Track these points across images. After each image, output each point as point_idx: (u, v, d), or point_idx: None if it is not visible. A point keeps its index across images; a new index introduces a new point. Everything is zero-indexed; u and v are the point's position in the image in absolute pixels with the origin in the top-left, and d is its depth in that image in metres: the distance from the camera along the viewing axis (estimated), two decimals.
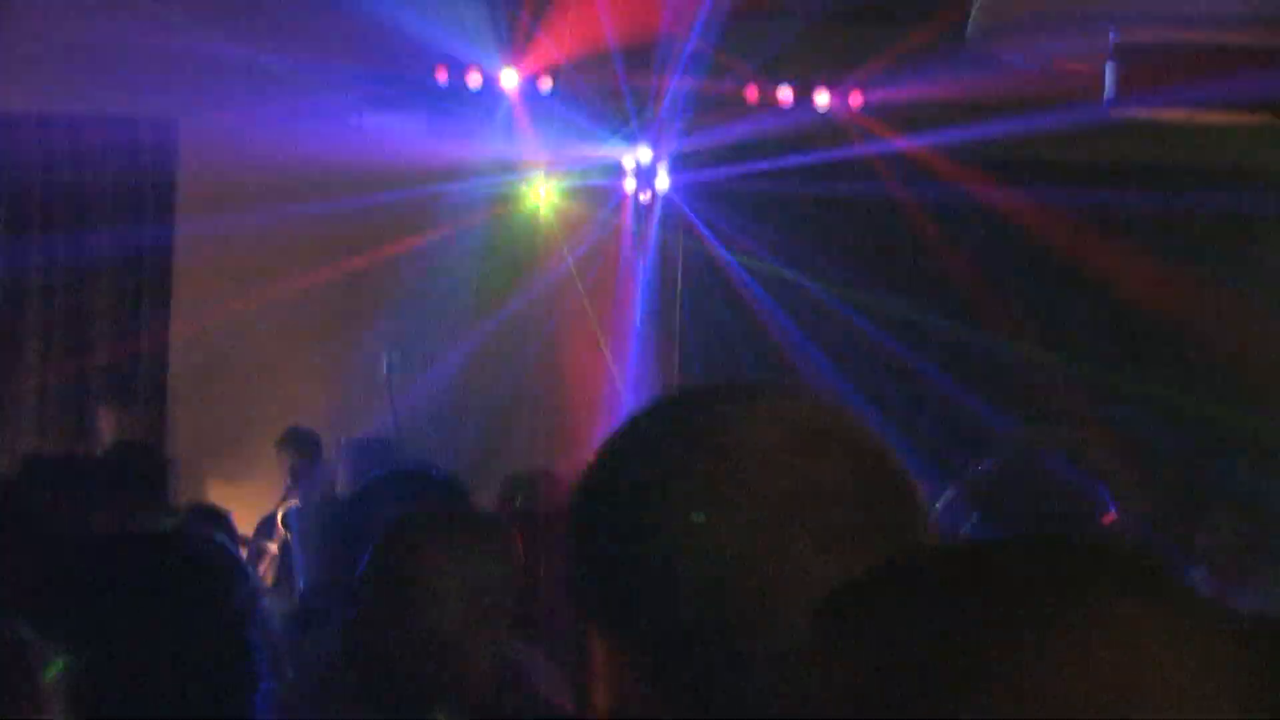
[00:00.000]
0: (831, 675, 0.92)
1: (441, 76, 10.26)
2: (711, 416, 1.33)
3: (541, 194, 10.67)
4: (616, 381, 10.59)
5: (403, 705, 3.04)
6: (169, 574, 2.42)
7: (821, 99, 10.21)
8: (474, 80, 10.31)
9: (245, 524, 7.84)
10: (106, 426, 10.25)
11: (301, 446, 9.57)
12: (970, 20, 5.57)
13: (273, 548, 8.70)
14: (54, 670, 1.89)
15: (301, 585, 5.84)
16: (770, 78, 10.13)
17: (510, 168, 10.61)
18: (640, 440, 1.36)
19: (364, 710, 3.56)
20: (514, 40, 10.20)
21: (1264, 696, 0.92)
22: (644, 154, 10.38)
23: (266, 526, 9.23)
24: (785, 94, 10.19)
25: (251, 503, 9.00)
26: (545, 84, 10.30)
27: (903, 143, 10.13)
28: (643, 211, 10.58)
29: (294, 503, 9.00)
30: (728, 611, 1.27)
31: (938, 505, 7.58)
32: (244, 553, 7.92)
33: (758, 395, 1.36)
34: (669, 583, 1.28)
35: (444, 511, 3.24)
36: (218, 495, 9.09)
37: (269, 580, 8.07)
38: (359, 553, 3.76)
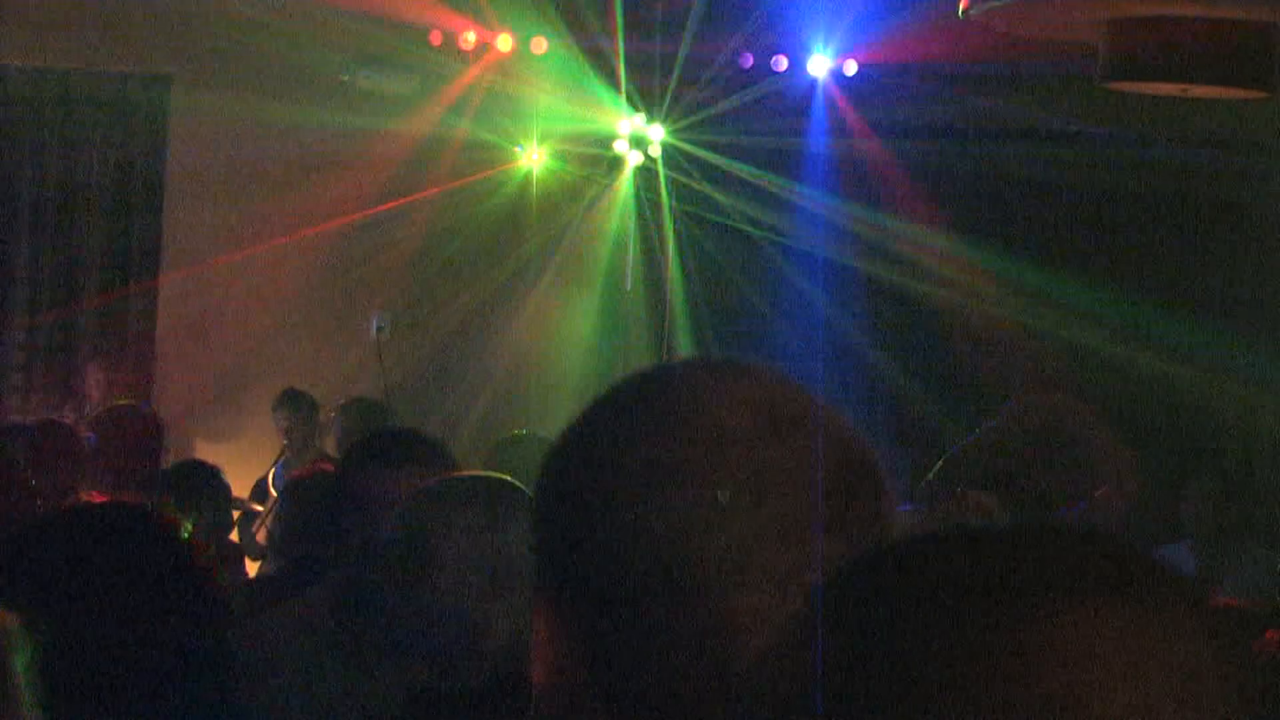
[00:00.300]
0: (792, 669, 0.90)
1: (435, 38, 10.23)
2: (679, 395, 1.32)
3: (535, 158, 10.65)
4: (609, 347, 10.59)
5: (412, 673, 3.04)
6: (118, 548, 2.41)
7: (816, 66, 10.21)
8: (468, 42, 10.28)
9: (236, 487, 7.84)
10: (94, 386, 10.24)
11: (296, 408, 9.58)
12: None
13: (256, 508, 8.73)
14: (23, 657, 1.88)
15: (280, 545, 5.85)
16: (765, 44, 10.11)
17: (504, 131, 10.58)
18: (608, 416, 1.35)
19: (355, 676, 3.56)
20: (510, 2, 10.16)
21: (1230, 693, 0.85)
22: (639, 118, 10.36)
23: (260, 489, 9.26)
24: (780, 61, 10.18)
25: (239, 464, 9.00)
26: (540, 46, 10.27)
27: (895, 109, 10.13)
28: (637, 175, 10.56)
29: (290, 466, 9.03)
30: (672, 591, 1.26)
31: (929, 475, 7.63)
32: (235, 514, 7.94)
33: (728, 375, 1.34)
34: (617, 557, 1.27)
35: (467, 479, 3.22)
36: (205, 455, 9.09)
37: (261, 540, 8.08)
38: (340, 515, 3.75)
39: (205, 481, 6.62)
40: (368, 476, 3.69)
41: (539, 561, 1.35)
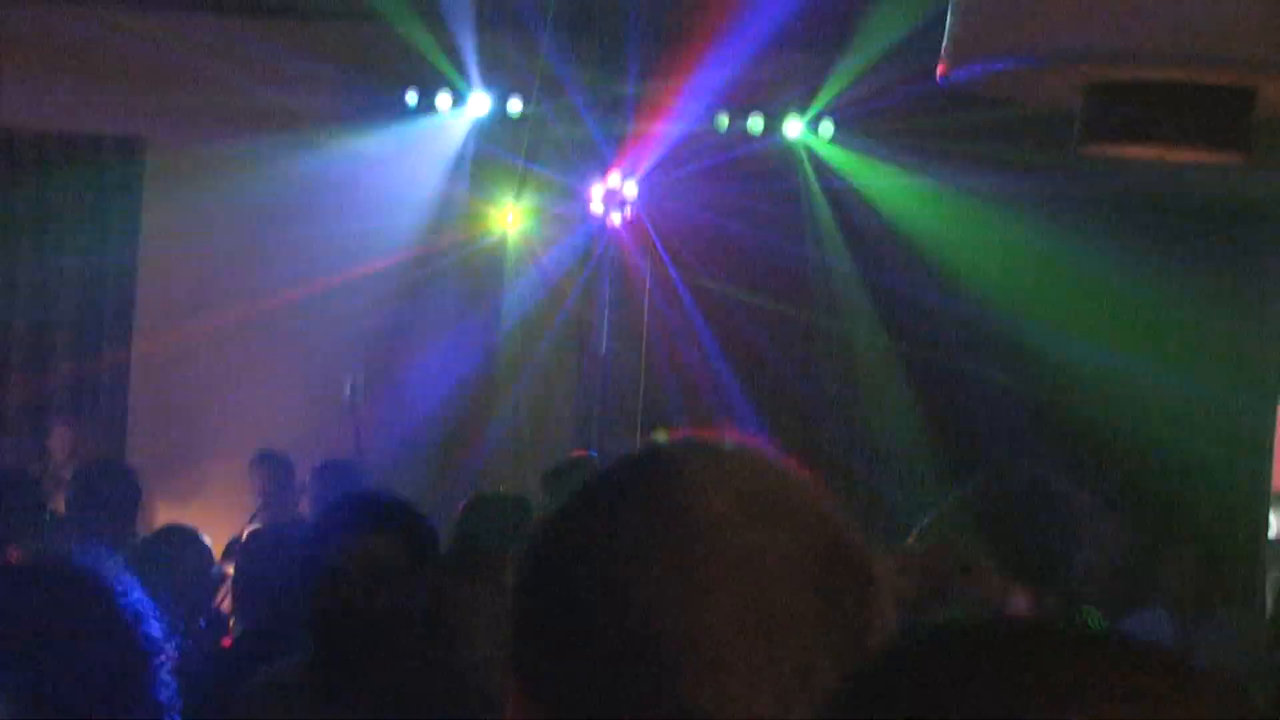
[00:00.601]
0: None
1: (411, 98, 10.24)
2: (666, 477, 1.30)
3: (510, 218, 10.62)
4: (582, 406, 10.56)
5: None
6: (41, 605, 2.42)
7: (791, 128, 10.23)
8: (444, 103, 10.29)
9: None
10: (62, 444, 10.15)
11: (271, 469, 9.52)
12: (942, 55, 5.54)
13: (229, 571, 8.63)
14: None
15: (238, 606, 5.80)
16: (741, 106, 10.13)
17: (479, 190, 10.57)
18: (594, 496, 1.33)
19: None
20: (485, 63, 10.18)
21: None
22: (613, 178, 10.36)
23: (232, 549, 9.16)
24: (756, 123, 10.20)
25: (207, 525, 8.92)
26: (515, 107, 10.28)
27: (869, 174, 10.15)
28: (611, 236, 10.54)
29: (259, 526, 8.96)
30: (643, 675, 1.23)
31: (915, 529, 7.58)
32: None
33: (715, 458, 1.32)
34: (591, 636, 1.25)
35: (471, 551, 3.22)
36: (173, 516, 9.01)
37: (226, 606, 7.99)
38: (311, 579, 3.70)
39: (185, 545, 6.54)
40: (342, 540, 3.64)
41: (515, 636, 1.33)
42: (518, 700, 1.31)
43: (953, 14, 5.47)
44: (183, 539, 6.50)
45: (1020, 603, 4.92)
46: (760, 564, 1.25)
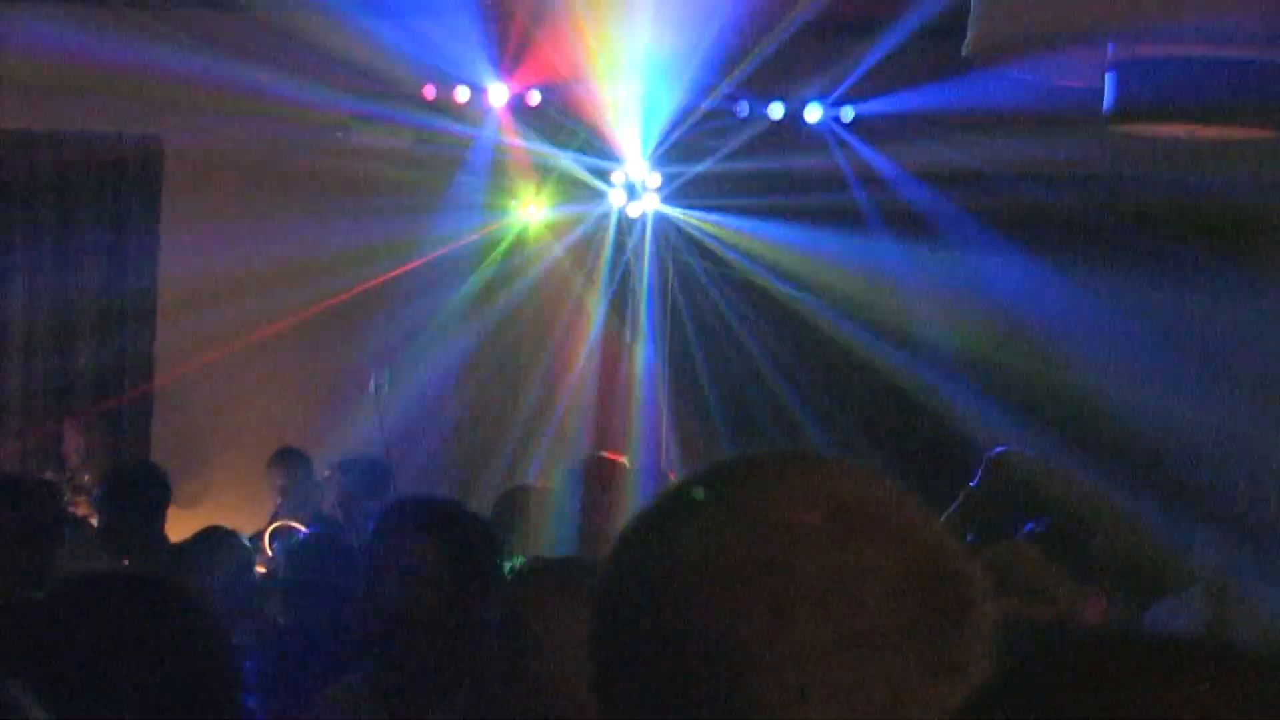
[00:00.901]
0: None
1: (429, 93, 10.20)
2: (748, 489, 1.25)
3: (530, 210, 10.59)
4: (608, 399, 10.52)
5: None
6: (128, 617, 2.36)
7: (812, 113, 10.17)
8: (461, 96, 10.25)
9: None
10: (77, 447, 10.12)
11: (291, 466, 9.51)
12: (968, 33, 5.51)
13: (260, 569, 8.61)
14: None
15: (292, 613, 5.74)
16: (761, 92, 10.08)
17: (499, 183, 10.54)
18: (675, 508, 1.28)
19: None
20: (503, 55, 10.14)
21: None
22: (633, 168, 10.31)
23: (258, 547, 9.15)
24: (776, 109, 10.14)
25: (233, 521, 8.92)
26: (533, 98, 10.24)
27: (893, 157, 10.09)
28: (633, 226, 10.50)
29: (285, 522, 8.93)
30: (727, 700, 1.19)
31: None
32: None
33: (799, 468, 1.28)
34: (673, 657, 1.21)
35: (567, 564, 3.17)
36: (200, 513, 9.00)
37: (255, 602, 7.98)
38: (364, 581, 3.65)
39: (226, 546, 6.48)
40: (407, 544, 3.57)
41: (593, 652, 1.29)
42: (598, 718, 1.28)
43: None
44: (224, 541, 6.44)
45: (1095, 606, 4.89)
46: (851, 581, 1.21)
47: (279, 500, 9.43)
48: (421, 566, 3.46)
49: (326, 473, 9.32)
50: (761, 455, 1.31)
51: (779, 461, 1.30)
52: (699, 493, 1.28)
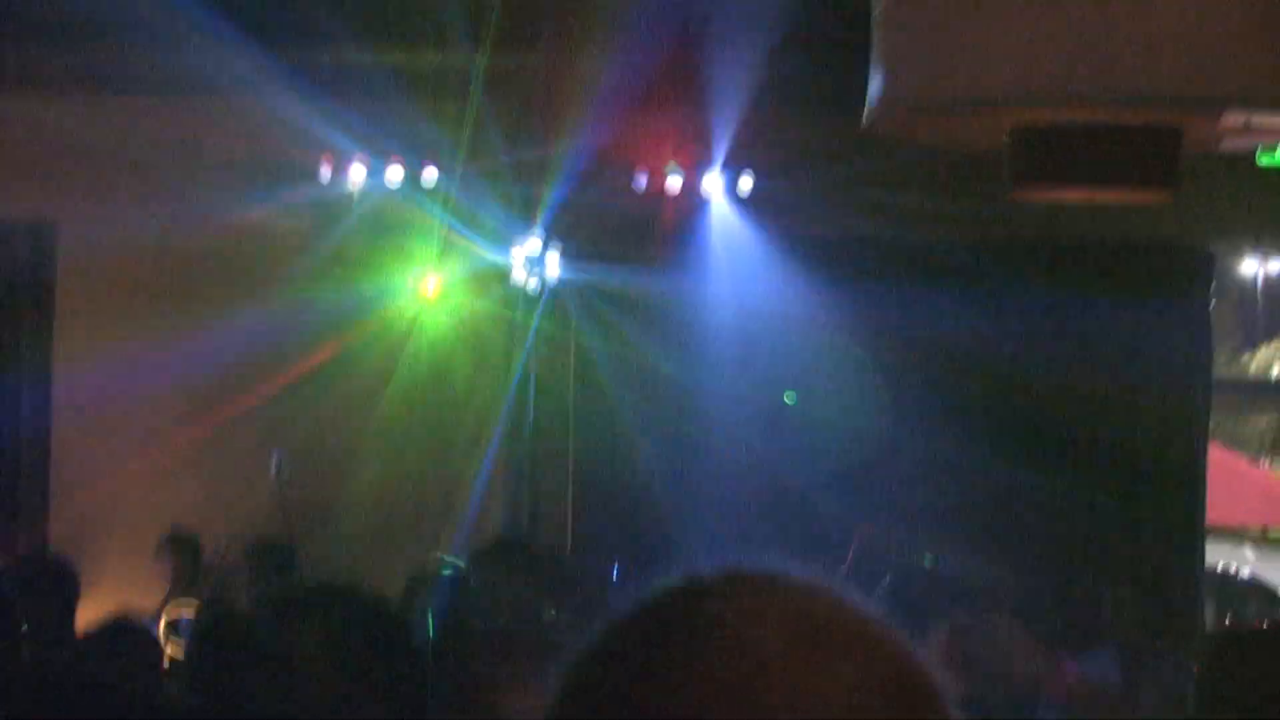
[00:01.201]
0: None
1: (325, 173, 10.14)
2: (713, 611, 1.22)
3: (430, 287, 10.50)
4: (511, 479, 10.46)
5: None
6: None
7: (711, 186, 10.19)
8: (357, 174, 10.20)
9: None
10: None
11: (183, 550, 9.35)
12: (868, 105, 5.53)
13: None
14: None
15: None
16: (661, 164, 10.09)
17: (398, 261, 10.46)
18: (638, 630, 1.24)
19: None
20: (400, 132, 10.10)
21: None
22: (533, 243, 10.26)
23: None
24: (674, 181, 10.15)
25: (129, 605, 8.77)
26: (430, 175, 10.20)
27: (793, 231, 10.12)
28: (533, 302, 10.44)
29: (185, 611, 8.78)
30: None
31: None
32: None
33: (764, 589, 1.25)
34: None
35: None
36: (95, 600, 8.83)
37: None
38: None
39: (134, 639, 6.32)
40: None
41: None
42: None
43: (877, 63, 5.47)
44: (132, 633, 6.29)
45: (1069, 669, 4.87)
46: (819, 700, 1.18)
47: (169, 586, 9.24)
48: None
49: (224, 556, 9.19)
50: (713, 578, 1.27)
51: (733, 583, 1.26)
52: (651, 621, 1.24)
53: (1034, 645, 4.49)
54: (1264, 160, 7.89)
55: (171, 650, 8.22)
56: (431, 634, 4.79)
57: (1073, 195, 5.81)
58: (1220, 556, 13.23)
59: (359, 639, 3.42)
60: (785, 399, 10.41)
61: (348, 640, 3.42)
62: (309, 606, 3.63)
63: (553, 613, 6.91)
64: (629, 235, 10.24)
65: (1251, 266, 16.34)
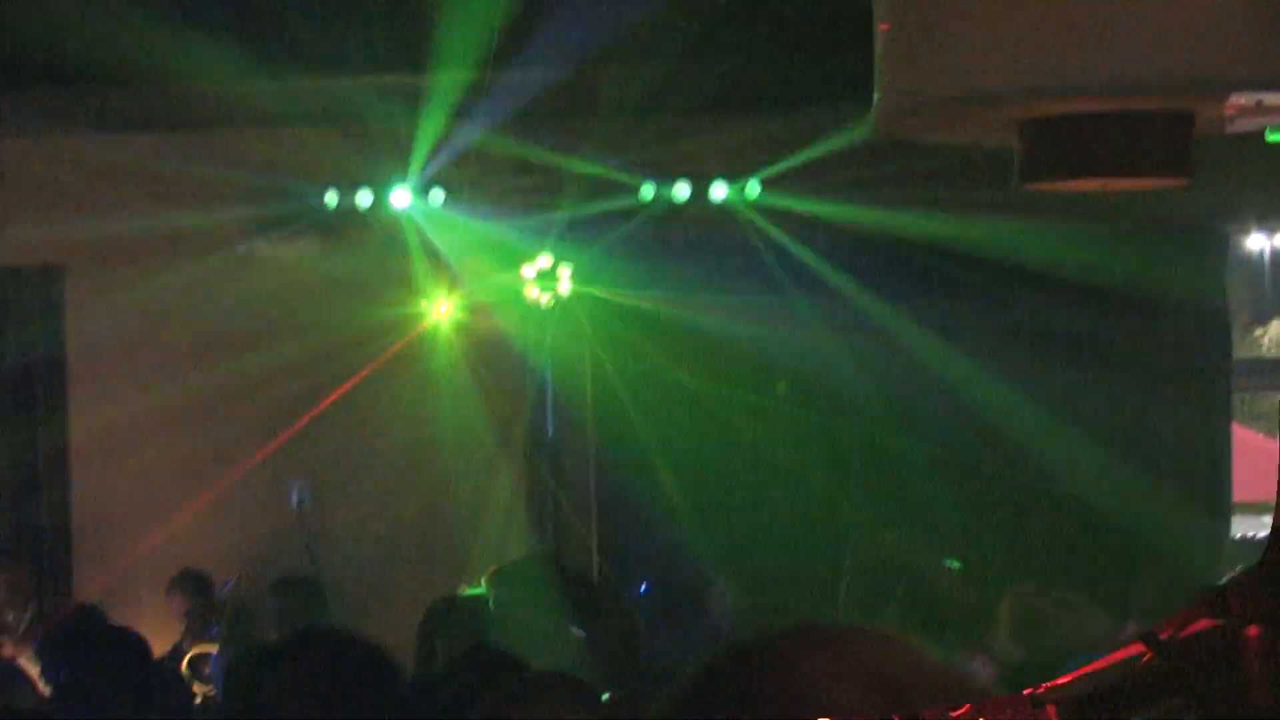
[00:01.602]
0: None
1: (331, 199, 10.11)
2: (785, 668, 1.23)
3: (443, 310, 10.45)
4: (534, 496, 10.41)
5: None
6: None
7: (718, 193, 10.13)
8: (364, 199, 10.16)
9: None
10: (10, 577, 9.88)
11: (195, 589, 9.28)
12: (874, 103, 5.48)
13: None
14: None
15: None
16: (667, 173, 10.04)
17: (409, 286, 10.41)
18: (713, 691, 1.25)
19: None
20: (404, 154, 10.06)
21: None
22: (544, 259, 10.22)
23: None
24: (681, 189, 10.10)
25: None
26: (437, 198, 10.16)
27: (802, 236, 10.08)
28: (547, 318, 10.39)
29: (203, 648, 8.73)
30: None
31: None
32: None
33: (833, 644, 1.26)
34: None
35: None
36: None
37: None
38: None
39: None
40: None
41: None
42: None
43: (882, 62, 5.42)
44: None
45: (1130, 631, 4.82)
46: None
47: (183, 625, 9.18)
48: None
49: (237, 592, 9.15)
50: (785, 635, 1.28)
51: (806, 639, 1.27)
52: (725, 679, 1.25)
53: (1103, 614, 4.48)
54: (1273, 137, 7.85)
55: (198, 690, 8.21)
56: (450, 666, 4.75)
57: (1087, 185, 5.75)
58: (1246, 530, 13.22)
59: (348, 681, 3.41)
60: (778, 389, 10.35)
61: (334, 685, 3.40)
62: (297, 652, 3.61)
63: (580, 632, 6.87)
64: (639, 247, 10.19)
65: (1259, 242, 16.25)
